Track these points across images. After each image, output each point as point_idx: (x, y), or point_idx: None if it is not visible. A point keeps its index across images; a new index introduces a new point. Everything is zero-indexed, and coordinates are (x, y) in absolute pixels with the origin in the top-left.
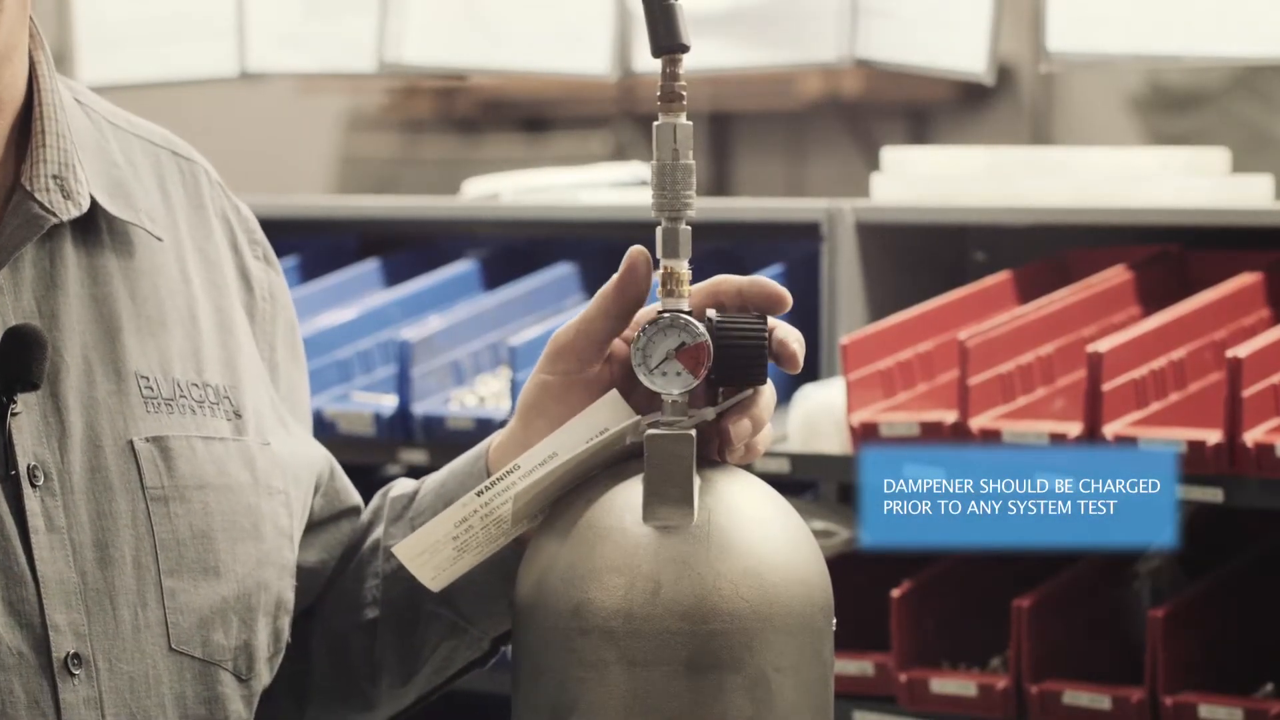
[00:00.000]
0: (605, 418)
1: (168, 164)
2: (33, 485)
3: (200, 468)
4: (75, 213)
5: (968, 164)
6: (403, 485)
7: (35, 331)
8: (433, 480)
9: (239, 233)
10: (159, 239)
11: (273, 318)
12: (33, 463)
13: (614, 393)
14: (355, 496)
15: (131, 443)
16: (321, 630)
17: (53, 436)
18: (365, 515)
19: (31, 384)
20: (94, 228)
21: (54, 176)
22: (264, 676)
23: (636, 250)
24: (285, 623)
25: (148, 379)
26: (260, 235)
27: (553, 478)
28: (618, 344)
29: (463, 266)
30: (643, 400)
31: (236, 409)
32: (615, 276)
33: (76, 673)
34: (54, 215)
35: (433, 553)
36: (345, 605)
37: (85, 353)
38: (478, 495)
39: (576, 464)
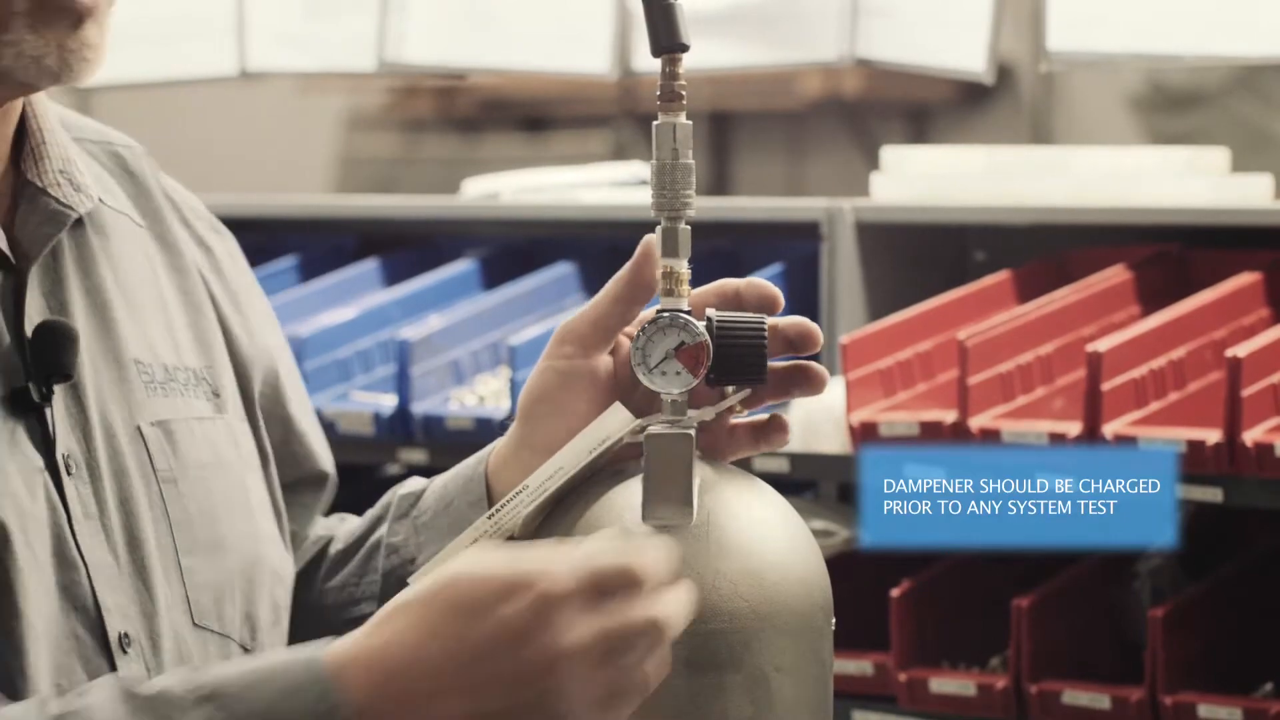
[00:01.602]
0: (608, 431)
1: (105, 158)
2: (68, 474)
3: (198, 447)
4: (89, 205)
5: (967, 164)
6: (412, 483)
7: (64, 324)
8: (438, 482)
9: (184, 209)
10: (140, 225)
11: (236, 271)
12: (65, 452)
13: (617, 405)
14: (320, 462)
15: (139, 428)
16: (320, 622)
17: (77, 426)
18: (375, 509)
19: (65, 375)
20: (79, 219)
21: (60, 172)
22: (266, 646)
23: (651, 239)
24: (280, 592)
25: (143, 364)
26: (204, 209)
27: (559, 495)
28: (621, 339)
29: (462, 266)
30: (643, 401)
31: (214, 388)
32: (629, 263)
33: (129, 651)
34: (72, 209)
35: None
36: (345, 598)
37: (88, 342)
38: (489, 519)
39: (581, 476)
